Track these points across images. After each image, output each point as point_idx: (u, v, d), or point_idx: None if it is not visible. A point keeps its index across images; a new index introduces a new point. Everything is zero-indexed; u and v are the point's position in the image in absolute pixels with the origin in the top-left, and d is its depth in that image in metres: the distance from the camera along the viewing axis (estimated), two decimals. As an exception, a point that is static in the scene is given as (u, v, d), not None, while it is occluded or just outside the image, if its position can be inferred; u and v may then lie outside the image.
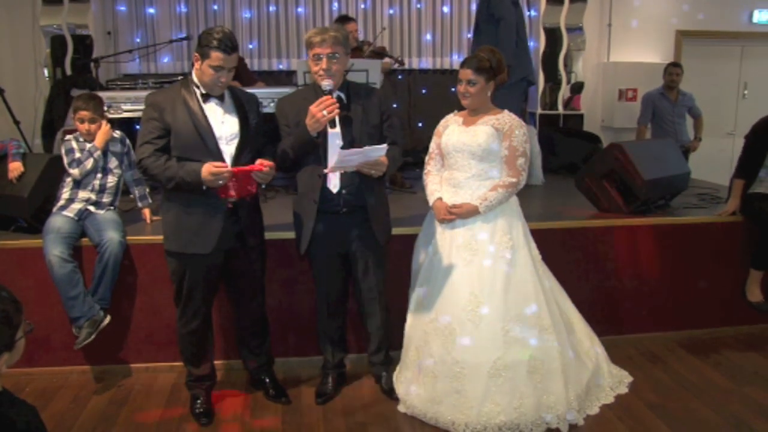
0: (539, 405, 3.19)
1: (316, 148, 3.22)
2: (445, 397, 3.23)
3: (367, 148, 3.11)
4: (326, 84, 3.16)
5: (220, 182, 2.98)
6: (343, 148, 3.16)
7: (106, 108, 4.29)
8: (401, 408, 3.42)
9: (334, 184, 3.26)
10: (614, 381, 3.63)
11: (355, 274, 3.48)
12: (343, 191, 3.27)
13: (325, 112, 3.08)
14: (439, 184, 3.46)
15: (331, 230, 3.32)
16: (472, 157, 3.33)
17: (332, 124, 3.13)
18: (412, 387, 3.39)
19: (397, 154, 3.37)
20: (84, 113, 3.79)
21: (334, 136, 3.22)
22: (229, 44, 3.00)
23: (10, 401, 1.84)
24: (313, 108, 3.10)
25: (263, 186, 3.32)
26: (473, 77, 3.29)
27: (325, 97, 3.11)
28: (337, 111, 3.10)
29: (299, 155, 3.25)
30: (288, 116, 3.30)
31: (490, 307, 3.21)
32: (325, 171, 3.20)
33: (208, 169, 2.96)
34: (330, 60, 3.16)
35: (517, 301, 3.25)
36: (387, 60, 5.84)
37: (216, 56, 2.98)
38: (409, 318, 3.50)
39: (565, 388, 3.24)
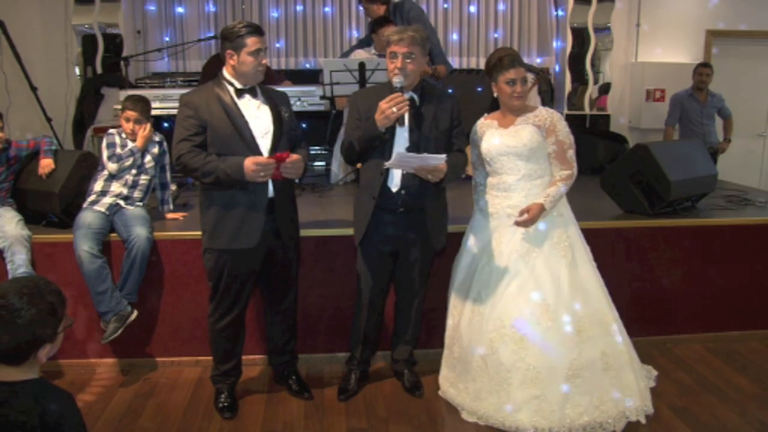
0: (618, 400, 3.20)
1: (383, 144, 3.21)
2: (525, 404, 3.16)
3: (426, 155, 3.10)
4: (397, 81, 3.15)
5: (262, 174, 3.02)
6: (408, 148, 3.17)
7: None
8: (468, 418, 3.31)
9: (395, 183, 3.25)
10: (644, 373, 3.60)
11: (399, 273, 3.47)
12: (402, 191, 3.25)
13: (394, 109, 3.07)
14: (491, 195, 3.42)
15: (386, 228, 3.31)
16: (518, 158, 3.30)
17: (401, 122, 3.15)
18: (483, 396, 3.27)
19: (461, 162, 3.33)
20: (131, 113, 3.90)
21: (402, 135, 3.22)
22: (259, 28, 3.13)
23: (45, 388, 1.88)
24: (383, 104, 3.09)
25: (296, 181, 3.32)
26: (527, 75, 3.27)
27: (396, 94, 3.10)
28: (406, 108, 3.09)
29: (364, 149, 3.23)
30: (360, 109, 3.29)
31: (558, 309, 3.20)
32: (385, 165, 3.17)
33: (252, 160, 3.01)
34: (405, 59, 3.16)
35: (583, 299, 3.25)
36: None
37: (252, 41, 3.08)
38: (464, 324, 3.40)
39: (636, 380, 3.27)
